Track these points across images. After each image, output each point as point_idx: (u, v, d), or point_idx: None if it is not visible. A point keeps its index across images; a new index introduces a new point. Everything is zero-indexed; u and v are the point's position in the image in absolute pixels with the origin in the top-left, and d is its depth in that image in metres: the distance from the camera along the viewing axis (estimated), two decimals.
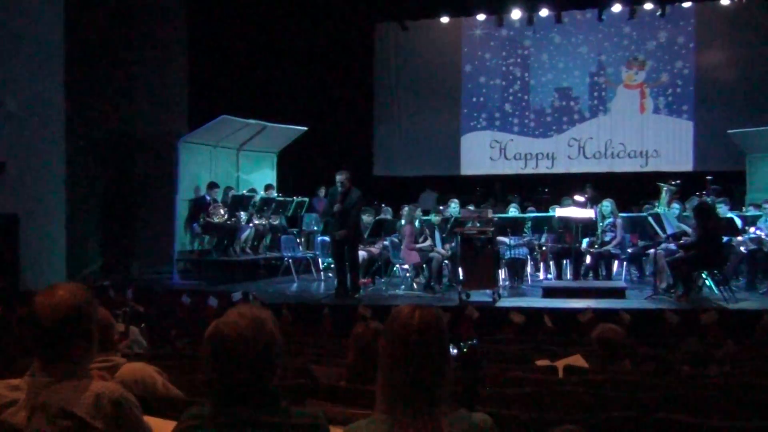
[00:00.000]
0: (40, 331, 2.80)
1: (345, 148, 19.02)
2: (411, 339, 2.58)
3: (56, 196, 13.00)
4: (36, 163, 12.64)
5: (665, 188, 13.74)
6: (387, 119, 20.12)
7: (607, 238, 12.42)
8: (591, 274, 12.47)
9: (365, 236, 12.80)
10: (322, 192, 16.27)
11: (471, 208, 13.18)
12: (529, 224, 13.08)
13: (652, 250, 11.83)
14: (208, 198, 14.15)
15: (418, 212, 12.63)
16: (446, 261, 12.58)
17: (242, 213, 14.31)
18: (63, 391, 2.76)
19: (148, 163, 15.30)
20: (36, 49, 12.56)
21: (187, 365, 5.71)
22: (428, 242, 12.22)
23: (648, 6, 18.19)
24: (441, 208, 14.02)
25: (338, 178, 11.32)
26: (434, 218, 12.63)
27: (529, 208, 14.90)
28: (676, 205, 13.10)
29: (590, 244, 12.35)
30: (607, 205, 12.60)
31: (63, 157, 13.09)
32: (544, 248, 13.35)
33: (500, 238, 12.34)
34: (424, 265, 12.25)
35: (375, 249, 13.18)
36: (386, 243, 13.07)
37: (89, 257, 14.51)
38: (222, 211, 14.07)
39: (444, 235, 12.68)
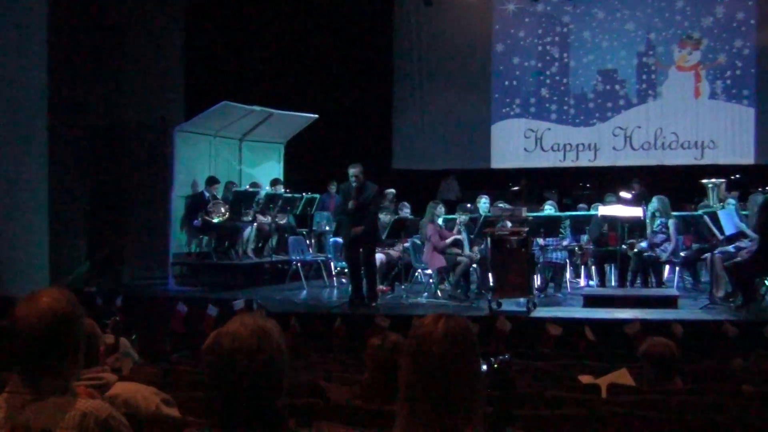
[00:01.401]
0: (21, 342, 2.82)
1: (360, 138, 19.02)
2: (435, 353, 2.57)
3: (38, 192, 13.08)
4: (15, 155, 12.73)
5: (709, 186, 13.68)
6: (408, 106, 20.10)
7: (657, 240, 12.36)
8: (638, 281, 12.41)
9: (383, 237, 12.81)
10: (333, 188, 16.32)
11: (503, 205, 13.16)
12: (568, 224, 13.04)
13: (708, 254, 11.75)
14: (206, 195, 14.20)
15: (440, 209, 12.60)
16: (474, 265, 12.56)
17: (245, 211, 14.36)
18: (46, 409, 2.78)
19: (140, 156, 15.36)
20: (15, 31, 12.64)
21: (184, 382, 5.73)
22: (452, 238, 12.23)
23: None
24: (468, 205, 14.00)
25: (351, 171, 11.34)
26: (461, 217, 12.60)
27: (582, 206, 14.82)
28: (731, 200, 13.01)
29: (630, 246, 12.28)
30: (654, 203, 12.54)
31: (45, 149, 13.17)
32: (584, 251, 13.30)
33: (535, 240, 12.31)
34: (449, 270, 12.24)
35: (394, 252, 13.18)
36: (407, 245, 13.07)
37: (75, 260, 14.60)
38: (223, 209, 14.12)
39: (472, 236, 12.66)
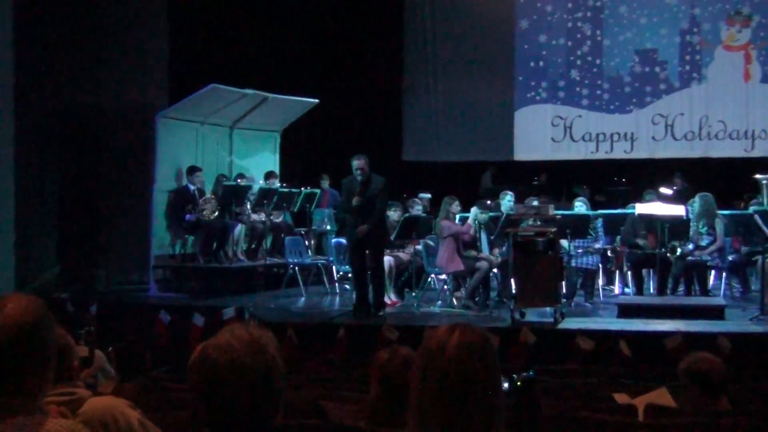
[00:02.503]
0: None
1: (366, 126, 19.02)
2: (449, 369, 2.57)
3: (2, 186, 13.11)
4: None
5: (764, 182, 13.64)
6: (420, 90, 20.08)
7: (703, 243, 12.34)
8: (680, 289, 12.38)
9: (392, 238, 12.80)
10: (326, 182, 16.25)
11: (536, 202, 13.14)
12: (601, 224, 13.02)
13: (759, 258, 11.72)
14: (191, 188, 14.21)
15: (456, 206, 12.58)
16: (495, 270, 12.55)
17: (236, 208, 14.37)
18: (10, 430, 2.78)
19: (117, 145, 15.37)
20: None
21: (167, 401, 5.74)
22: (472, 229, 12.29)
23: None
24: (489, 202, 14.00)
25: (355, 164, 11.35)
26: (480, 215, 12.58)
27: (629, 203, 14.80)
28: None
29: (671, 249, 12.27)
30: (696, 203, 12.51)
31: (11, 137, 13.19)
32: (619, 255, 13.28)
33: (564, 242, 12.30)
34: (467, 276, 12.25)
35: (404, 254, 13.18)
36: (418, 247, 13.07)
37: (44, 262, 14.62)
38: (214, 206, 14.14)
39: (492, 237, 12.65)
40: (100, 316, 11.99)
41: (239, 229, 14.49)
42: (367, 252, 11.44)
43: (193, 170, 14.33)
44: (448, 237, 12.15)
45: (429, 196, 16.31)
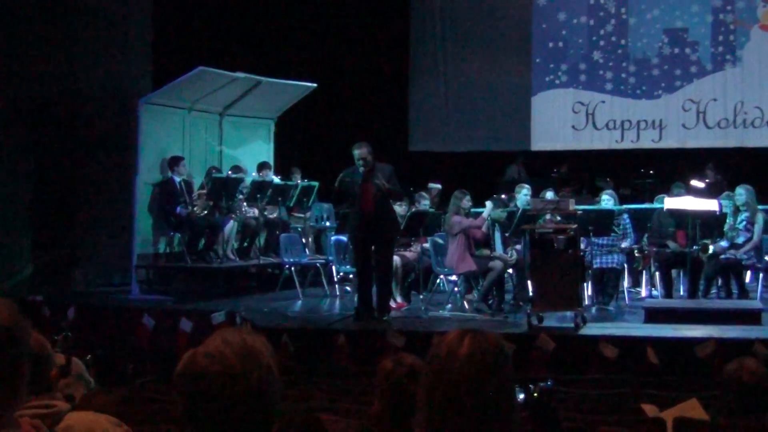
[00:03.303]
0: None
1: (369, 113, 19.01)
2: (459, 378, 2.58)
3: None
4: None
5: None
6: (428, 73, 20.06)
7: (739, 240, 12.33)
8: (713, 291, 12.36)
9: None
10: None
11: (550, 195, 13.13)
12: (627, 220, 13.00)
13: None
14: (177, 179, 14.20)
15: (467, 201, 12.56)
16: (510, 270, 12.54)
17: (227, 203, 14.37)
18: None
19: (97, 134, 15.37)
20: None
21: (151, 413, 5.75)
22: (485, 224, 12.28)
23: None
24: (504, 196, 13.98)
25: (357, 153, 11.31)
26: (494, 212, 12.56)
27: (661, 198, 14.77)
28: None
29: (703, 248, 12.25)
30: (741, 193, 12.47)
31: None
32: (646, 254, 13.27)
33: (586, 240, 12.28)
34: (479, 277, 12.24)
35: (410, 253, 13.17)
36: (426, 245, 13.06)
37: (16, 262, 14.64)
38: (205, 203, 14.14)
39: (507, 234, 12.64)
40: (78, 320, 12.00)
41: (230, 225, 14.49)
42: (373, 248, 11.37)
43: (175, 161, 14.30)
44: (458, 234, 12.14)
45: (439, 186, 16.29)
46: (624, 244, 12.82)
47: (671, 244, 12.72)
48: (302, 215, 15.59)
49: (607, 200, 13.12)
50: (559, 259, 10.68)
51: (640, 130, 19.02)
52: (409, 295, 13.14)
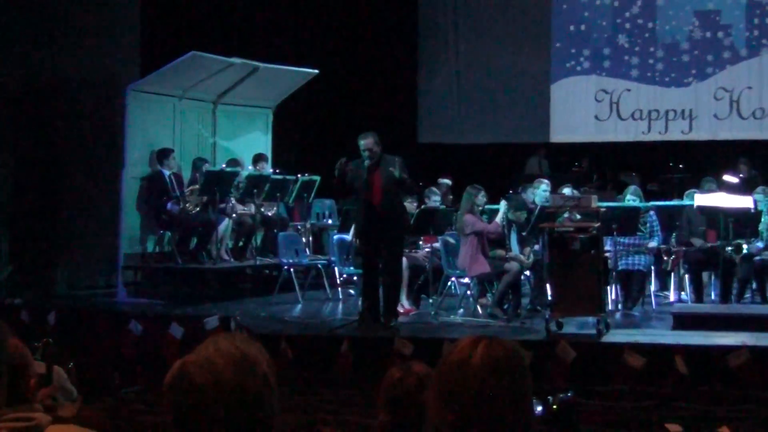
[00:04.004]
0: None
1: (375, 103, 19.02)
2: (472, 389, 2.57)
3: None
4: None
5: None
6: (439, 59, 20.07)
7: None
8: (748, 295, 12.34)
9: None
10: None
11: (568, 191, 13.10)
12: (654, 218, 12.99)
13: None
14: (166, 173, 14.19)
15: (482, 197, 12.55)
16: (527, 273, 12.52)
17: (221, 199, 14.36)
18: None
19: (80, 124, 15.37)
20: None
21: (138, 426, 5.76)
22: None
23: None
24: (519, 191, 13.97)
25: (362, 143, 11.28)
26: (511, 213, 12.53)
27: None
28: None
29: (737, 248, 12.23)
30: None
31: None
32: (675, 255, 13.26)
33: (611, 239, 12.27)
34: (494, 279, 12.24)
35: (419, 254, 13.17)
36: (436, 245, 13.06)
37: None
38: (197, 199, 14.14)
39: (524, 234, 12.63)
40: (60, 325, 12.01)
41: (225, 224, 14.47)
42: (381, 246, 11.33)
43: (165, 153, 14.29)
44: (471, 233, 12.13)
45: (449, 182, 16.30)
46: (651, 244, 12.80)
47: (696, 241, 12.69)
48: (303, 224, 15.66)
49: (631, 200, 13.09)
50: (581, 260, 10.66)
51: (668, 120, 19.01)
52: (418, 299, 13.13)
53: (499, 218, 12.39)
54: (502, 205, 12.58)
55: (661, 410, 6.80)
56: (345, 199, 14.31)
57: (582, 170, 18.64)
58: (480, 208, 12.52)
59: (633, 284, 12.71)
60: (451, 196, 15.87)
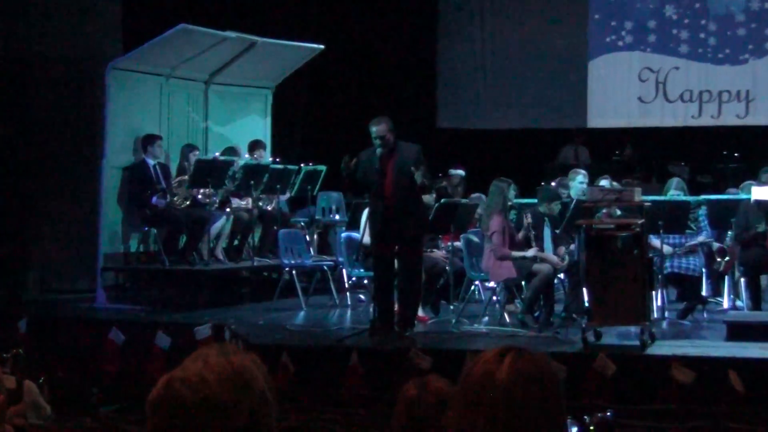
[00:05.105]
0: None
1: (389, 83, 19.03)
2: (498, 408, 2.58)
3: None
4: None
5: None
6: (461, 34, 20.08)
7: None
8: None
9: None
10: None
11: (606, 183, 13.09)
12: (705, 215, 12.97)
13: None
14: (150, 162, 14.19)
15: (512, 191, 12.53)
16: (561, 276, 12.52)
17: (214, 192, 14.37)
18: None
19: (55, 107, 15.40)
20: None
21: None
22: (533, 249, 12.17)
23: None
24: (553, 184, 13.95)
25: (374, 130, 11.24)
26: (543, 206, 12.54)
27: (732, 190, 14.74)
28: None
29: None
30: None
31: None
32: (729, 256, 13.23)
33: (654, 239, 12.26)
34: (523, 283, 12.23)
35: (439, 254, 13.17)
36: (458, 244, 13.05)
37: None
38: (185, 192, 14.15)
39: (557, 232, 12.63)
40: (32, 334, 12.04)
41: (222, 222, 14.44)
42: (397, 248, 11.33)
43: (150, 140, 14.28)
44: (494, 234, 12.10)
45: (462, 173, 16.25)
46: (699, 238, 12.76)
47: (758, 238, 12.67)
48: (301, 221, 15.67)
49: (674, 195, 13.07)
50: (622, 261, 10.65)
51: (722, 102, 18.99)
52: (437, 305, 13.14)
53: (526, 224, 12.36)
54: (541, 201, 12.59)
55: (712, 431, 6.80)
56: (360, 195, 14.27)
57: (623, 159, 18.63)
58: (510, 203, 12.49)
59: (685, 291, 12.68)
60: (460, 189, 15.86)
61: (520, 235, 12.31)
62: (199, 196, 14.28)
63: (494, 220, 12.18)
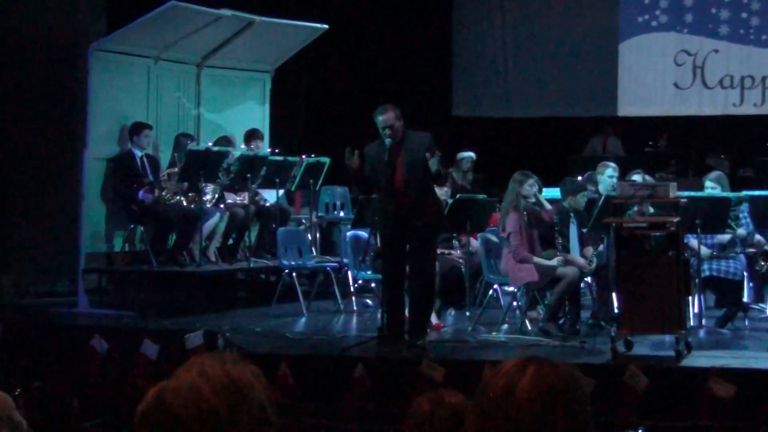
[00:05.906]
0: None
1: (399, 67, 19.04)
2: (518, 423, 2.58)
3: None
4: None
5: None
6: (479, 15, 20.11)
7: None
8: None
9: None
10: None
11: (639, 178, 13.09)
12: (746, 212, 12.97)
13: None
14: (137, 153, 14.20)
15: (530, 186, 12.48)
16: (588, 279, 12.52)
17: (207, 186, 14.39)
18: None
19: (32, 93, 15.44)
20: None
21: None
22: (557, 259, 12.17)
23: None
24: (579, 178, 13.96)
25: (381, 119, 11.20)
26: (566, 200, 12.56)
27: None
28: None
29: None
30: None
31: None
32: None
33: (691, 239, 12.25)
34: (545, 288, 12.25)
35: (454, 255, 13.17)
36: (475, 243, 13.06)
37: None
38: (175, 185, 14.16)
39: (585, 231, 12.63)
40: (7, 341, 12.06)
41: (215, 219, 14.44)
42: (408, 248, 11.32)
43: (138, 128, 14.28)
44: (513, 233, 12.08)
45: (473, 155, 16.21)
46: (739, 231, 12.74)
47: None
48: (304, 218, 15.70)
49: (711, 190, 13.03)
50: (655, 263, 10.66)
51: (765, 89, 18.99)
52: (455, 309, 13.16)
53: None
54: (564, 194, 12.60)
55: None
56: (369, 194, 14.24)
57: (657, 151, 18.63)
58: (531, 200, 12.45)
59: (725, 296, 12.69)
60: (470, 175, 15.84)
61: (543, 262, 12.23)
62: (184, 202, 14.23)
63: (510, 219, 12.17)
